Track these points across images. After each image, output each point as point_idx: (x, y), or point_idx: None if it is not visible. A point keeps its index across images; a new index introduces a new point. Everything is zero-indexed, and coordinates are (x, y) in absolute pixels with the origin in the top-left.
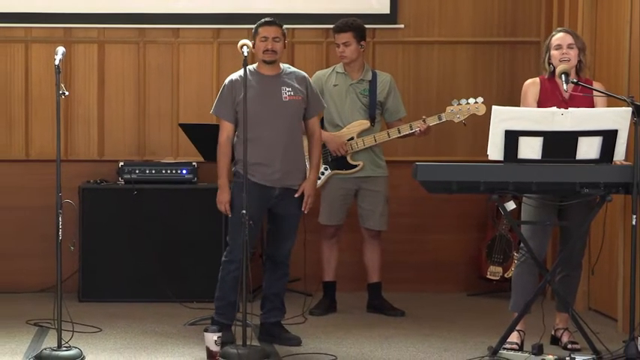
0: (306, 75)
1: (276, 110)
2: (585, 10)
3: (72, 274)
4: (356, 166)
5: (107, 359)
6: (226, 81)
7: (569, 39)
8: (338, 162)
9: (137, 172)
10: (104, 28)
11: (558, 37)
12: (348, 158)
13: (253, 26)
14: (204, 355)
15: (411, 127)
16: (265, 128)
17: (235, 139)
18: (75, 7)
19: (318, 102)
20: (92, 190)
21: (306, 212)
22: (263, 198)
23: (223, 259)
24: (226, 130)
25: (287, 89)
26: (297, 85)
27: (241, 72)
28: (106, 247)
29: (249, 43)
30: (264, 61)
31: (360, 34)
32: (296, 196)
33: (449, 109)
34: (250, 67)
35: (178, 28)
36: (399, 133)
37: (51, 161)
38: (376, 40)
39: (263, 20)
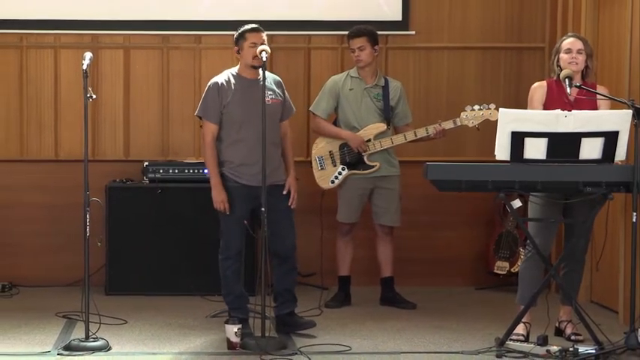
0: (280, 79)
1: (260, 112)
2: (588, 17)
3: (99, 268)
4: (373, 166)
5: (132, 350)
6: (210, 83)
7: (579, 44)
8: (355, 163)
9: (161, 171)
10: (129, 34)
11: (569, 42)
12: (365, 159)
13: (272, 33)
14: (225, 345)
15: (427, 130)
16: (250, 130)
17: (218, 141)
18: (102, 14)
19: (290, 106)
20: (118, 188)
21: (293, 207)
22: (250, 197)
23: (220, 257)
24: (211, 131)
25: (269, 93)
26: (276, 89)
27: (225, 76)
28: (131, 242)
29: (268, 49)
30: (253, 66)
31: (374, 39)
32: (284, 192)
33: (463, 114)
34: (232, 71)
35: (200, 35)
36: (416, 135)
37: (79, 161)
38: (389, 45)
39: (250, 27)
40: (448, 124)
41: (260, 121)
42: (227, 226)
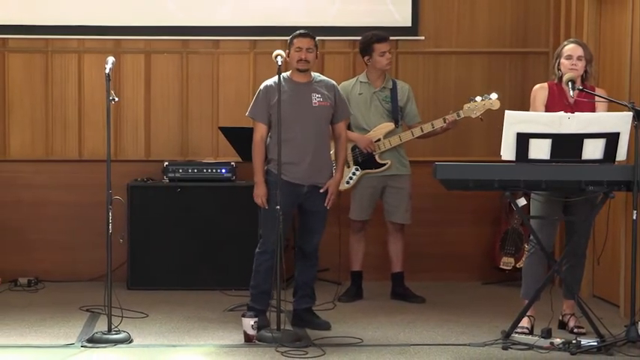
0: (334, 83)
1: (306, 114)
2: (590, 23)
3: (121, 264)
4: (384, 164)
5: (153, 342)
6: (261, 86)
7: (580, 51)
8: (367, 162)
9: (180, 171)
10: (150, 39)
11: (570, 48)
12: (377, 158)
13: (287, 38)
14: (241, 338)
15: (432, 125)
16: (296, 130)
17: (268, 140)
18: (124, 20)
19: (344, 108)
20: (139, 187)
21: (328, 208)
22: (293, 194)
23: (257, 250)
24: (260, 131)
25: (317, 96)
26: (326, 92)
27: (275, 79)
28: (152, 239)
29: (283, 53)
30: (298, 70)
31: None
32: (321, 191)
33: (466, 106)
34: (285, 74)
35: (218, 40)
36: (422, 131)
37: (102, 161)
38: (399, 50)
39: (298, 32)
40: (452, 117)
41: (308, 122)
42: (266, 220)
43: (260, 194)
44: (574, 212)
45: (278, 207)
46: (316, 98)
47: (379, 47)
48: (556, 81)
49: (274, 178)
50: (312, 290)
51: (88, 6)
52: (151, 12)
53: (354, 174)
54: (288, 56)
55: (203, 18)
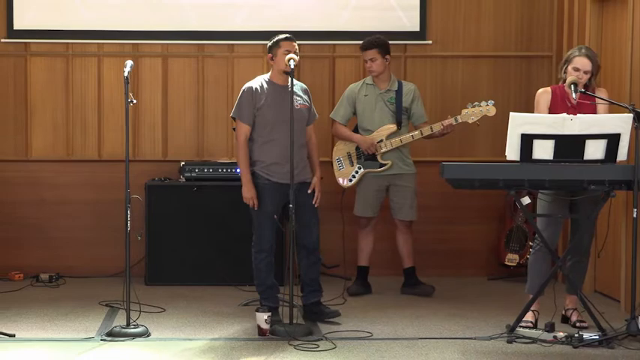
0: (307, 87)
1: (289, 116)
2: (592, 28)
3: (139, 260)
4: (385, 164)
5: (170, 336)
6: (245, 88)
7: (588, 66)
8: (370, 162)
9: (197, 170)
10: (168, 43)
11: (580, 61)
12: (379, 158)
13: (300, 42)
14: (255, 332)
15: (432, 128)
16: (281, 132)
17: (250, 142)
18: (142, 25)
19: (314, 112)
20: (157, 186)
21: (317, 205)
22: (282, 194)
23: (253, 250)
24: (244, 131)
25: (297, 98)
26: (303, 96)
27: (258, 81)
28: (169, 236)
29: (296, 57)
30: (285, 72)
31: (384, 50)
32: (309, 191)
33: (464, 111)
34: (265, 77)
35: (233, 44)
36: (422, 134)
37: (120, 161)
38: (407, 54)
39: (284, 36)
40: (449, 122)
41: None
42: (259, 221)
43: (252, 196)
44: (578, 210)
45: (291, 205)
46: (297, 101)
47: (363, 55)
48: (561, 83)
49: (262, 180)
50: (318, 285)
51: (107, 11)
52: (169, 17)
53: (356, 172)
54: (272, 59)
55: (218, 23)
